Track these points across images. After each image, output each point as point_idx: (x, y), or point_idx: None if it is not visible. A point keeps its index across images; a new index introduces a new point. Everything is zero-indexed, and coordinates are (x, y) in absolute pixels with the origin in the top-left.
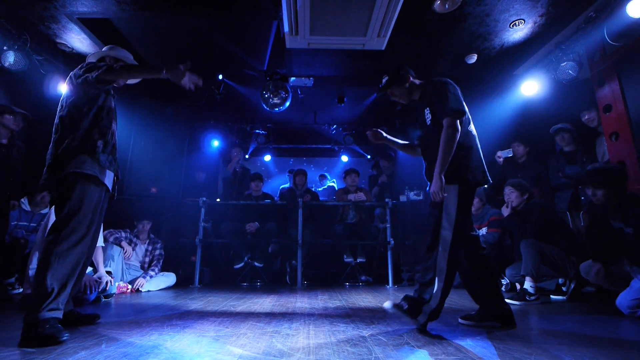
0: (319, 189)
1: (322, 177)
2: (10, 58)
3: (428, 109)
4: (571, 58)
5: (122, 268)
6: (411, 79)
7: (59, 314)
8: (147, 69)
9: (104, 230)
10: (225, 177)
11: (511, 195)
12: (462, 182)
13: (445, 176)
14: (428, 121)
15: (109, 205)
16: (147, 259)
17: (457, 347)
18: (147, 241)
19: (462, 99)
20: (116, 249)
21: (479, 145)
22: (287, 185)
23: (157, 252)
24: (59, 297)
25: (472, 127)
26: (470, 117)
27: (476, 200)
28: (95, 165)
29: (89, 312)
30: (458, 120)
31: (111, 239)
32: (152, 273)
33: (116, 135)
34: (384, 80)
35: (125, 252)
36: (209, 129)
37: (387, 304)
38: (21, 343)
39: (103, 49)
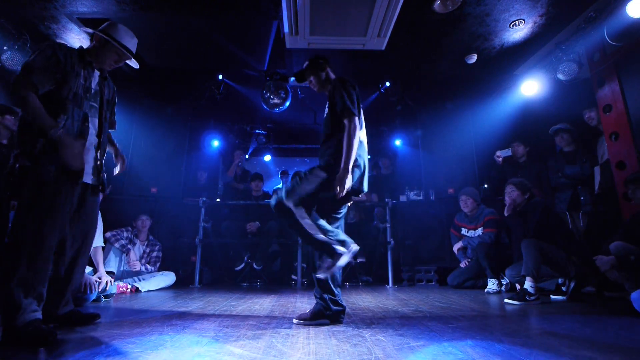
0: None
1: (284, 173)
2: (10, 58)
3: (328, 104)
4: (571, 58)
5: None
6: (328, 70)
7: (38, 315)
8: (43, 120)
9: (106, 232)
10: (227, 183)
11: (512, 194)
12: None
13: (327, 164)
14: (324, 115)
15: (108, 205)
16: (143, 261)
17: (457, 347)
18: (146, 242)
19: (358, 101)
20: (117, 252)
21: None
22: (280, 186)
23: (155, 254)
24: (29, 300)
25: (362, 134)
26: (362, 124)
27: (470, 201)
28: None
29: (90, 312)
30: (357, 119)
31: (117, 245)
32: (144, 273)
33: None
34: (304, 65)
35: (130, 262)
36: (209, 129)
37: None
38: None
39: (100, 27)
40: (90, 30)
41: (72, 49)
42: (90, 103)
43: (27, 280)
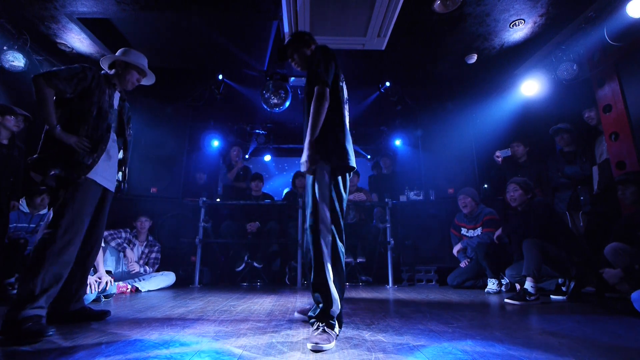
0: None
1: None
2: (11, 58)
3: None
4: (571, 58)
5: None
6: (313, 47)
7: (42, 312)
8: (49, 114)
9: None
10: (226, 185)
11: (515, 193)
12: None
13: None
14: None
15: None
16: (141, 262)
17: (457, 347)
18: (145, 243)
19: (335, 75)
20: (113, 252)
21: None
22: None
23: (154, 255)
24: (43, 296)
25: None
26: (344, 99)
27: (469, 201)
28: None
29: (100, 309)
30: (328, 90)
31: (113, 244)
32: (143, 274)
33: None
34: (286, 40)
35: (129, 263)
36: (209, 129)
37: None
38: (1, 340)
39: (116, 53)
40: (111, 57)
41: (100, 73)
42: (113, 117)
43: (49, 276)
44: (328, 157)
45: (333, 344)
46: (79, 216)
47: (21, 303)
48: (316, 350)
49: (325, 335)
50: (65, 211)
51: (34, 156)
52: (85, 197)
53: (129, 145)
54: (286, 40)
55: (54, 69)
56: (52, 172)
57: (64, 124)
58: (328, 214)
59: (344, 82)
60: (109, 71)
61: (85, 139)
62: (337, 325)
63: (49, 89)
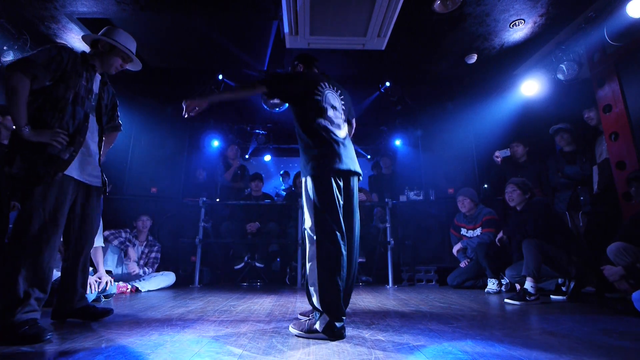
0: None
1: (286, 174)
2: (11, 58)
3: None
4: (571, 58)
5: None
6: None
7: (36, 315)
8: (18, 113)
9: (104, 231)
10: (224, 185)
11: (513, 193)
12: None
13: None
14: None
15: (108, 205)
16: (141, 262)
17: (457, 346)
18: (145, 243)
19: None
20: (115, 250)
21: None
22: (283, 187)
23: (153, 255)
24: (30, 299)
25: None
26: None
27: (467, 202)
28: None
29: (104, 307)
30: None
31: (115, 242)
32: (142, 276)
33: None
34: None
35: (130, 262)
36: (209, 129)
37: None
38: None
39: (101, 32)
40: (94, 36)
41: (75, 52)
42: (92, 104)
43: (30, 277)
44: (319, 163)
45: (297, 332)
46: (54, 217)
47: (10, 309)
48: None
49: (298, 323)
50: (38, 211)
51: (5, 150)
52: (60, 196)
53: (101, 132)
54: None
55: (27, 54)
56: (24, 167)
57: (34, 113)
58: (325, 218)
59: (331, 90)
60: (88, 50)
61: (60, 131)
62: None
63: (26, 80)
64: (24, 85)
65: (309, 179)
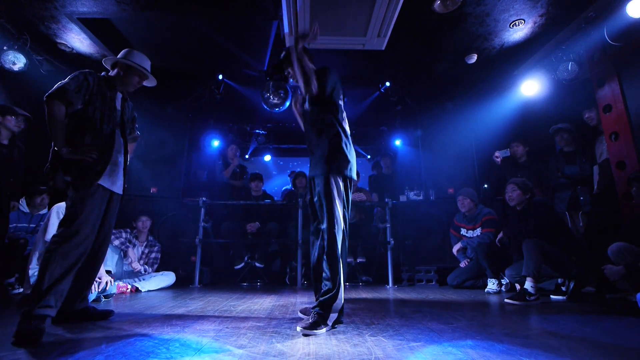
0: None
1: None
2: (11, 58)
3: (307, 97)
4: (571, 58)
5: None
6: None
7: (52, 312)
8: (57, 135)
9: None
10: (223, 182)
11: (513, 193)
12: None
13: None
14: (306, 106)
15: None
16: (141, 262)
17: (457, 346)
18: (145, 243)
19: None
20: (115, 250)
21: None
22: (288, 187)
23: (153, 255)
24: (51, 295)
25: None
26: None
27: (467, 202)
28: None
29: (104, 309)
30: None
31: (116, 242)
32: (143, 273)
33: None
34: (281, 55)
35: (131, 262)
36: (209, 129)
37: None
38: (16, 337)
39: (119, 54)
40: (113, 59)
41: (99, 76)
42: (117, 121)
43: (54, 276)
44: (339, 168)
45: (323, 330)
46: (88, 220)
47: (32, 300)
48: (306, 335)
49: (315, 322)
50: (76, 215)
51: (47, 165)
52: (94, 203)
53: (128, 146)
54: (282, 55)
55: (61, 84)
56: (65, 179)
57: (70, 134)
58: (340, 218)
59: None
60: (111, 72)
61: (92, 148)
62: (333, 319)
63: (62, 107)
64: (60, 112)
65: (338, 178)
